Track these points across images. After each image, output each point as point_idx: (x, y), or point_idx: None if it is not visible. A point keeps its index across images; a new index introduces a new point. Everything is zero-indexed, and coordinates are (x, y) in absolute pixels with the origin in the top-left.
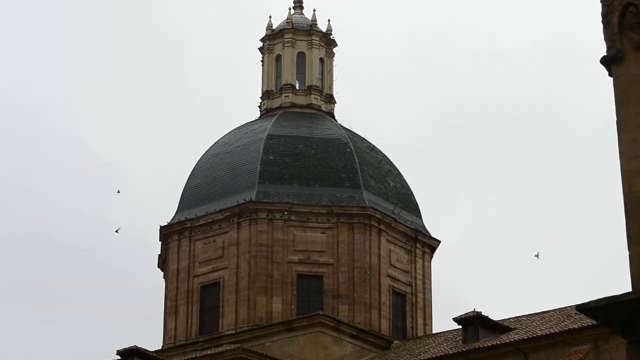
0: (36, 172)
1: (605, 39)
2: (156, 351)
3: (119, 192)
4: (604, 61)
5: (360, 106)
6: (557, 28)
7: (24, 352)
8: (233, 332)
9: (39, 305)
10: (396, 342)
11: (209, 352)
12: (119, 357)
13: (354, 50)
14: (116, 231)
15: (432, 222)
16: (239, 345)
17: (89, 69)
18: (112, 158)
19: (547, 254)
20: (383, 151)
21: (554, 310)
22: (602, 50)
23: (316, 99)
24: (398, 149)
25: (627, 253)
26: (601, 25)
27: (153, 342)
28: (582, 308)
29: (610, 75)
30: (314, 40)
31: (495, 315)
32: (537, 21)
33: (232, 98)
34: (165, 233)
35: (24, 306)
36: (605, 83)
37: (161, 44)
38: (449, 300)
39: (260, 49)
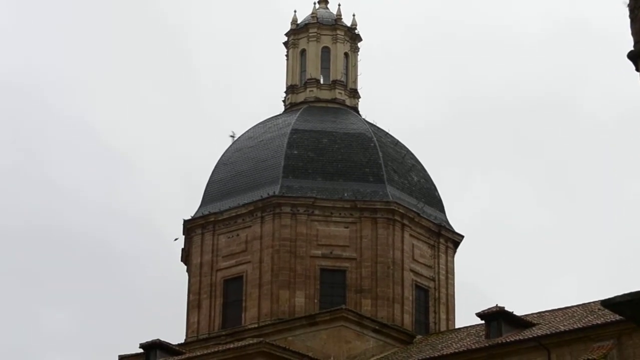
0: (49, 158)
1: (633, 34)
2: (179, 345)
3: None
4: (631, 56)
5: (384, 100)
6: (572, 11)
7: (47, 343)
8: (256, 326)
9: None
10: (419, 336)
11: (231, 345)
12: (142, 350)
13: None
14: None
15: (446, 205)
16: (261, 339)
17: (102, 57)
18: (124, 147)
19: (566, 239)
20: (398, 137)
21: (577, 306)
22: (617, 32)
23: (340, 93)
24: (410, 133)
25: None
26: (625, 17)
27: (176, 335)
28: (607, 303)
29: (637, 70)
30: (338, 35)
31: (519, 311)
32: (552, 4)
33: (257, 92)
34: (189, 227)
35: (44, 299)
36: (620, 66)
37: (185, 37)
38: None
39: (285, 44)
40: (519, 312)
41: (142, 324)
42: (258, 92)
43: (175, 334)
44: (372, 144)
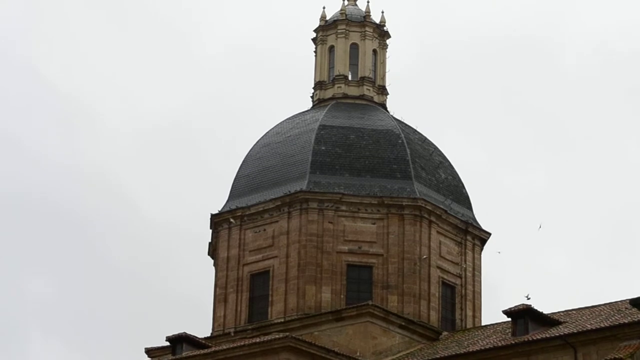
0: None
1: None
2: (205, 338)
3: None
4: None
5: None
6: None
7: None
8: (282, 320)
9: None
10: (445, 333)
11: (257, 340)
12: (168, 343)
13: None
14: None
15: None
16: (287, 333)
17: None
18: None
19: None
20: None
21: (604, 305)
22: None
23: (368, 90)
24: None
25: None
26: None
27: (202, 329)
28: (636, 302)
29: None
30: (367, 32)
31: (545, 309)
32: None
33: (285, 88)
34: (216, 221)
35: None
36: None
37: (211, 32)
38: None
39: (314, 40)
40: (546, 310)
41: (169, 317)
42: (286, 88)
43: (201, 327)
44: (399, 141)
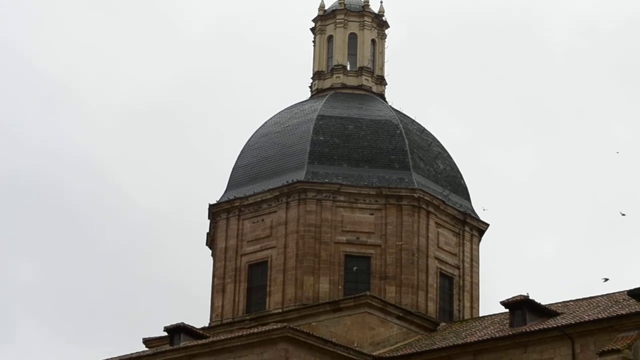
0: None
1: None
2: (203, 328)
3: None
4: None
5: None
6: None
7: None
8: (280, 311)
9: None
10: (443, 324)
11: (255, 330)
12: (166, 333)
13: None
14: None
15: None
16: (285, 324)
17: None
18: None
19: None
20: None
21: (602, 296)
22: None
23: (367, 80)
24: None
25: None
26: None
27: (200, 319)
28: (634, 293)
29: None
30: (365, 22)
31: (543, 300)
32: None
33: (283, 78)
34: (214, 211)
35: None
36: None
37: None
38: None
39: (312, 29)
40: (544, 301)
41: (167, 307)
42: (284, 78)
43: (199, 318)
44: (398, 131)
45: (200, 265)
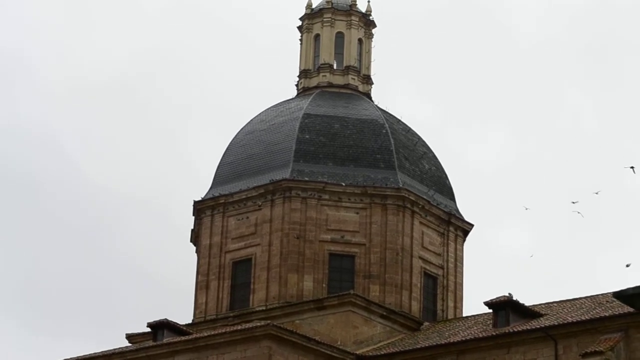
0: None
1: None
2: (186, 325)
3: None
4: None
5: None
6: None
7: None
8: (263, 308)
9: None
10: (426, 323)
11: (239, 327)
12: (149, 329)
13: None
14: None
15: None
16: (269, 321)
17: None
18: None
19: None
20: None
21: (586, 298)
22: None
23: (353, 79)
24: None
25: None
26: None
27: (184, 316)
28: (619, 295)
29: None
30: (353, 21)
31: (527, 301)
32: None
33: (269, 76)
34: (199, 208)
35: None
36: None
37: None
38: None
39: (299, 28)
40: (527, 302)
41: (150, 303)
42: (271, 76)
43: (183, 314)
44: (384, 131)
45: (184, 261)
